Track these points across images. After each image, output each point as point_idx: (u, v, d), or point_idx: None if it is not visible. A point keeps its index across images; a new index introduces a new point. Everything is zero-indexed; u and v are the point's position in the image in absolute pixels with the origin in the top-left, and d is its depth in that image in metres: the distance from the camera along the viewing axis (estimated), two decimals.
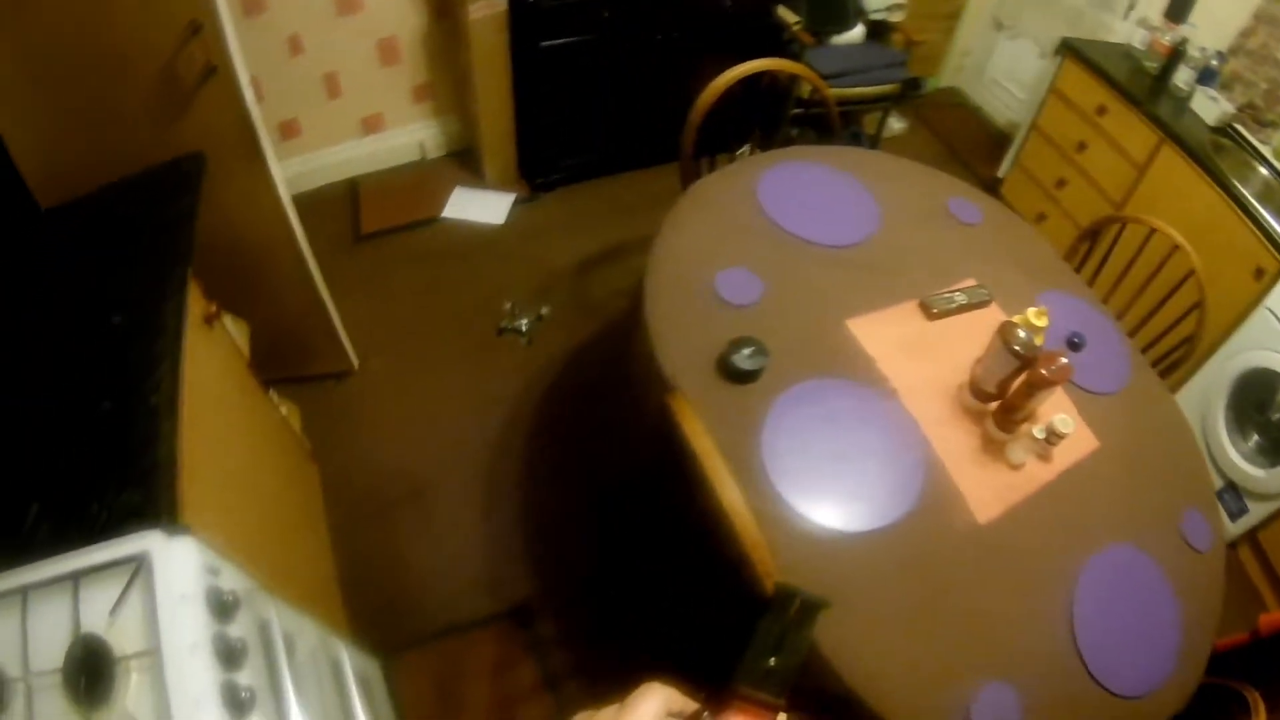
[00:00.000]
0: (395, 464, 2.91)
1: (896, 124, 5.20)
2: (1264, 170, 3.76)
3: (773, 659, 0.79)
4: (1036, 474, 2.04)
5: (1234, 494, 3.43)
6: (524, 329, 3.11)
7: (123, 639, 1.34)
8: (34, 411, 1.72)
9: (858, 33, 4.51)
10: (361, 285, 3.37)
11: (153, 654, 1.30)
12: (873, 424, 1.99)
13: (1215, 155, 3.62)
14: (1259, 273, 3.31)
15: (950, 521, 1.89)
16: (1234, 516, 3.44)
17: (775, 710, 0.76)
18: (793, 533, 1.75)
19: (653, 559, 2.59)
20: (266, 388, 2.56)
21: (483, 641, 2.60)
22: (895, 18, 4.62)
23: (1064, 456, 2.10)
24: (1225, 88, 3.99)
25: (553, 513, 2.92)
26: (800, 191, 2.49)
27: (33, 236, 2.11)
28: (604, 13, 3.61)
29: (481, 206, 3.92)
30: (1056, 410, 2.08)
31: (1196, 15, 4.11)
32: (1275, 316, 3.25)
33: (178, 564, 1.39)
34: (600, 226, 3.86)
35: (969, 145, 5.26)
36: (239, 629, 1.44)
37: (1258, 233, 3.31)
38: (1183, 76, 3.97)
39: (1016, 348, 1.95)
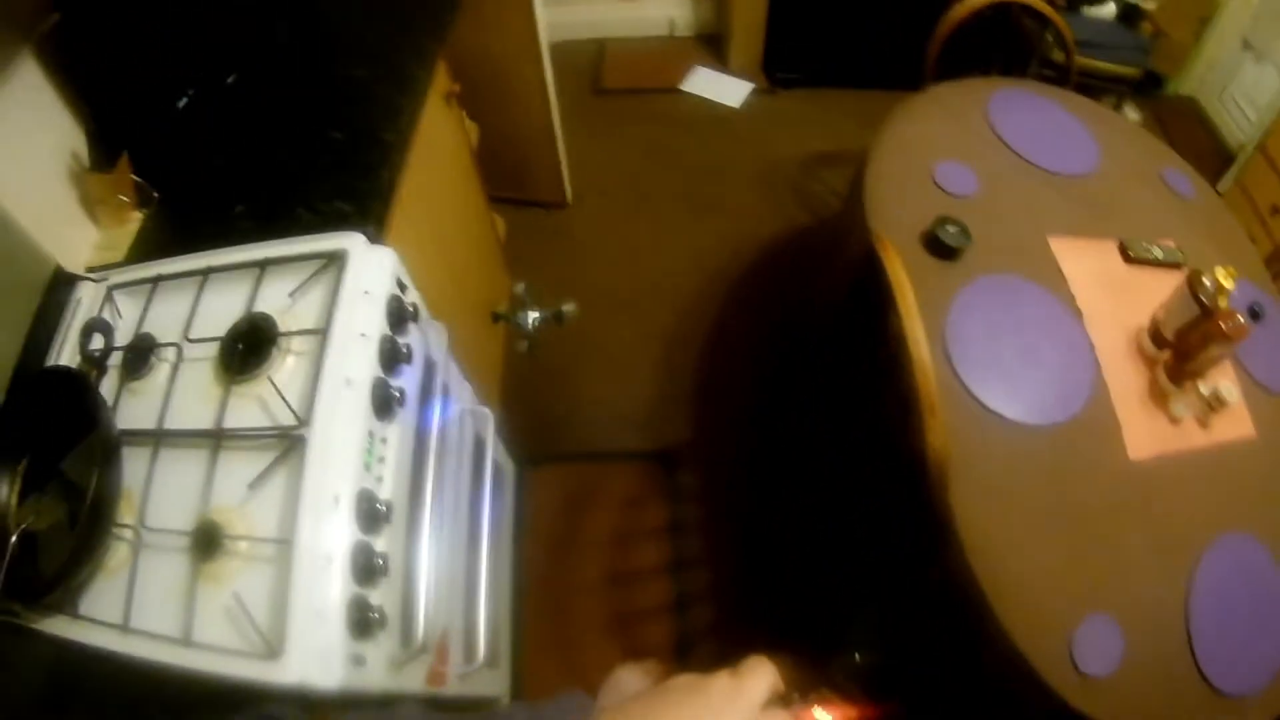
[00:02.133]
0: (585, 293, 2.97)
1: (1131, 114, 5.06)
2: None
3: (865, 654, 0.79)
4: (1192, 435, 2.05)
5: None
6: None
7: (293, 319, 1.43)
8: (270, 131, 1.86)
9: (1109, 9, 4.48)
10: (591, 133, 3.48)
11: (320, 334, 1.38)
12: (1052, 332, 2.03)
13: None
14: None
15: (1102, 446, 1.92)
16: None
17: (872, 706, 0.76)
18: (957, 404, 1.81)
19: (812, 442, 2.65)
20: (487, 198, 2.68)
21: (621, 474, 2.69)
22: (1148, 4, 4.57)
23: (1220, 429, 2.09)
24: None
25: (725, 376, 3.01)
26: (1028, 116, 2.53)
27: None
28: None
29: (720, 88, 4.00)
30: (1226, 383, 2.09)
31: None
32: None
33: (373, 266, 1.48)
34: (830, 132, 3.89)
35: (1194, 156, 5.13)
36: (408, 339, 1.52)
37: None
38: None
39: (1201, 296, 1.98)
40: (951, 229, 2.02)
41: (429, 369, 1.65)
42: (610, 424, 2.78)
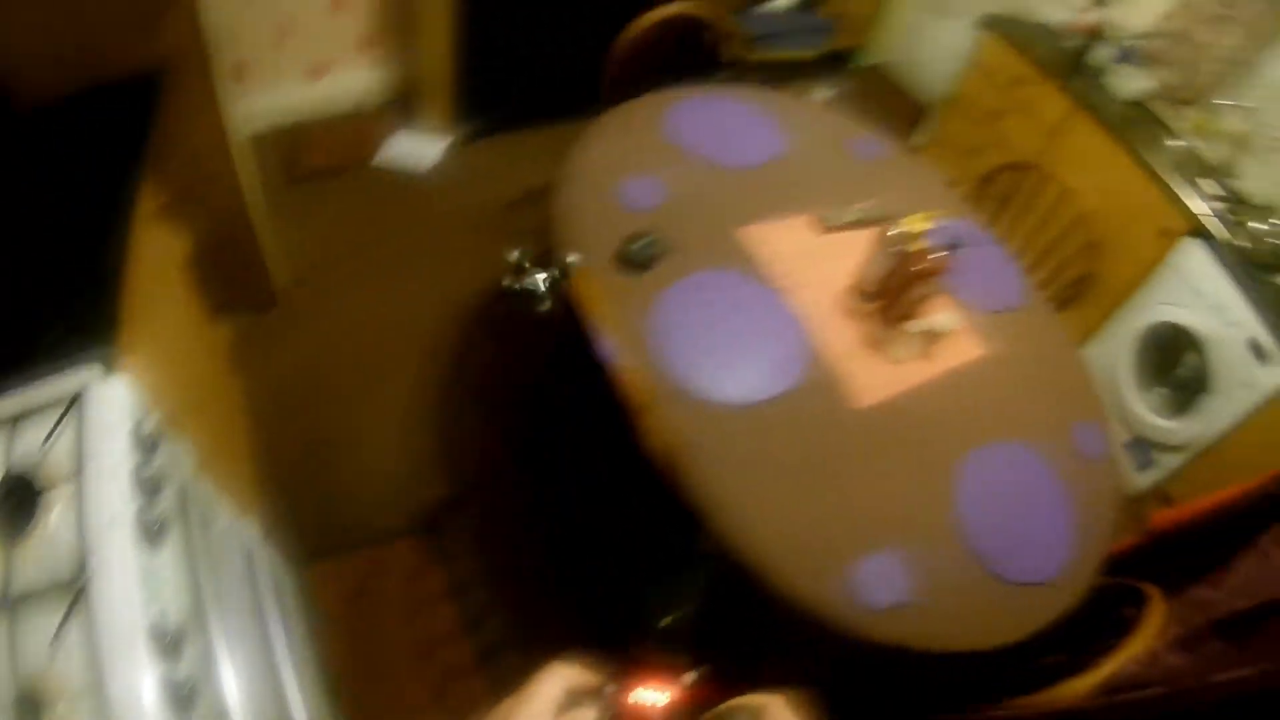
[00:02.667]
0: (320, 382, 3.03)
1: (820, 92, 5.29)
2: (1176, 143, 3.94)
3: (672, 619, 0.80)
4: (918, 370, 2.17)
5: (1141, 447, 3.56)
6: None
7: (50, 470, 1.41)
8: None
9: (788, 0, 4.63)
10: (296, 221, 3.44)
11: (75, 479, 1.38)
12: (755, 314, 2.13)
13: (1128, 125, 3.79)
14: (1164, 234, 3.46)
15: (831, 402, 2.03)
16: (1142, 468, 3.57)
17: (679, 671, 0.77)
18: (676, 400, 1.88)
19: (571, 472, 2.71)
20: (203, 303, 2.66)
21: (396, 551, 2.69)
22: None
23: (945, 359, 2.23)
24: (1143, 66, 4.15)
25: (478, 422, 3.05)
26: (708, 119, 2.64)
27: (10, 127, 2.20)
28: None
29: (418, 150, 4.02)
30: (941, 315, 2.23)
31: None
32: (1177, 273, 3.40)
33: (112, 400, 1.50)
34: (528, 170, 3.82)
35: (893, 117, 5.31)
36: (157, 465, 1.53)
37: (1164, 198, 3.47)
38: (1101, 54, 4.13)
39: (895, 244, 2.10)
40: (641, 243, 2.11)
41: (182, 490, 1.64)
42: (374, 504, 2.78)
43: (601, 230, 2.18)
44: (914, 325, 2.15)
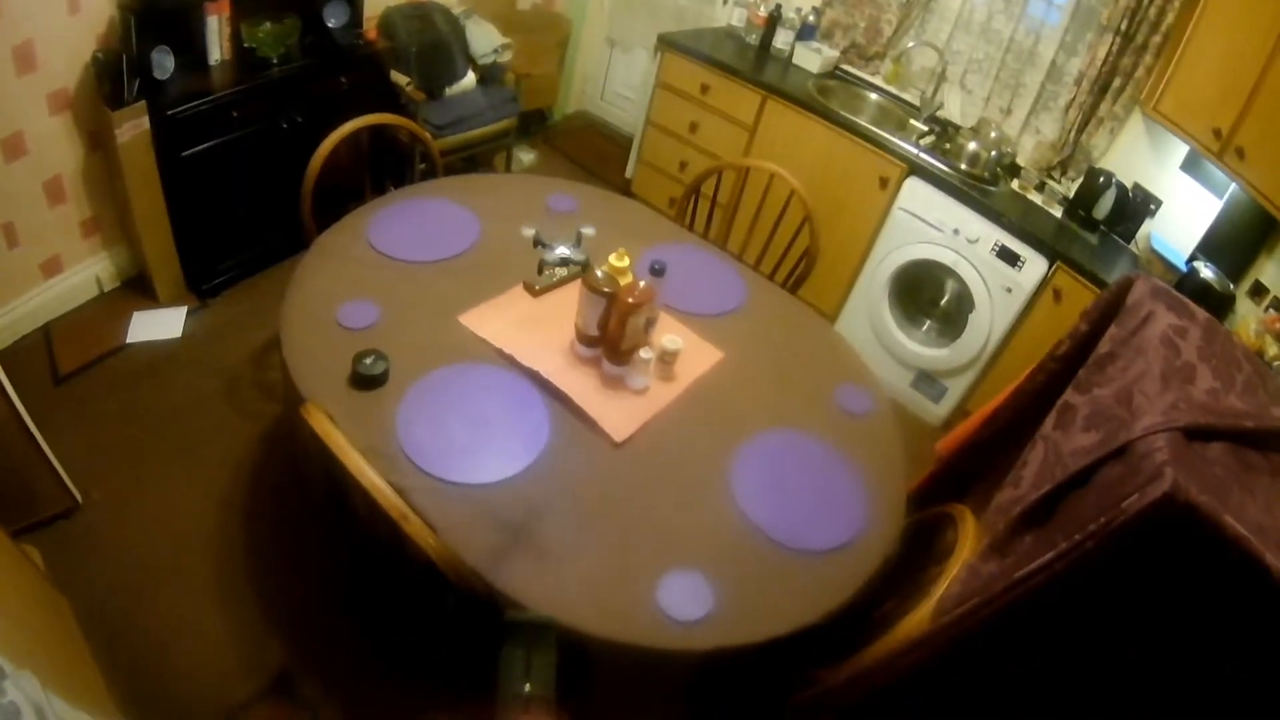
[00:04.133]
0: (136, 579, 2.98)
1: (525, 156, 5.46)
2: (875, 96, 4.19)
3: (527, 685, 0.84)
4: (664, 392, 2.28)
5: (928, 380, 3.74)
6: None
7: None
8: None
9: (469, 81, 4.73)
10: (72, 424, 3.41)
11: None
12: (495, 391, 2.20)
13: (822, 96, 3.99)
14: (883, 182, 3.67)
15: (589, 449, 2.12)
16: (937, 399, 3.75)
17: None
18: (445, 499, 1.93)
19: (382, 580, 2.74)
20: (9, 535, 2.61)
21: (258, 717, 2.69)
22: (504, 58, 4.87)
23: (688, 373, 2.35)
24: (827, 37, 4.39)
25: (288, 572, 3.05)
26: (404, 224, 2.72)
27: None
28: (233, 113, 3.78)
29: (160, 324, 4.01)
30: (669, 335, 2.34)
31: None
32: (906, 213, 3.61)
33: None
34: (264, 319, 3.92)
35: (601, 159, 5.61)
36: (6, 701, 1.54)
37: (875, 149, 3.68)
38: (781, 38, 4.36)
39: (599, 287, 2.20)
40: (368, 360, 2.16)
41: (39, 713, 1.63)
42: (220, 685, 2.77)
43: (328, 358, 2.22)
44: (644, 353, 2.24)
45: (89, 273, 4.16)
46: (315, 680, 2.77)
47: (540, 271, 2.51)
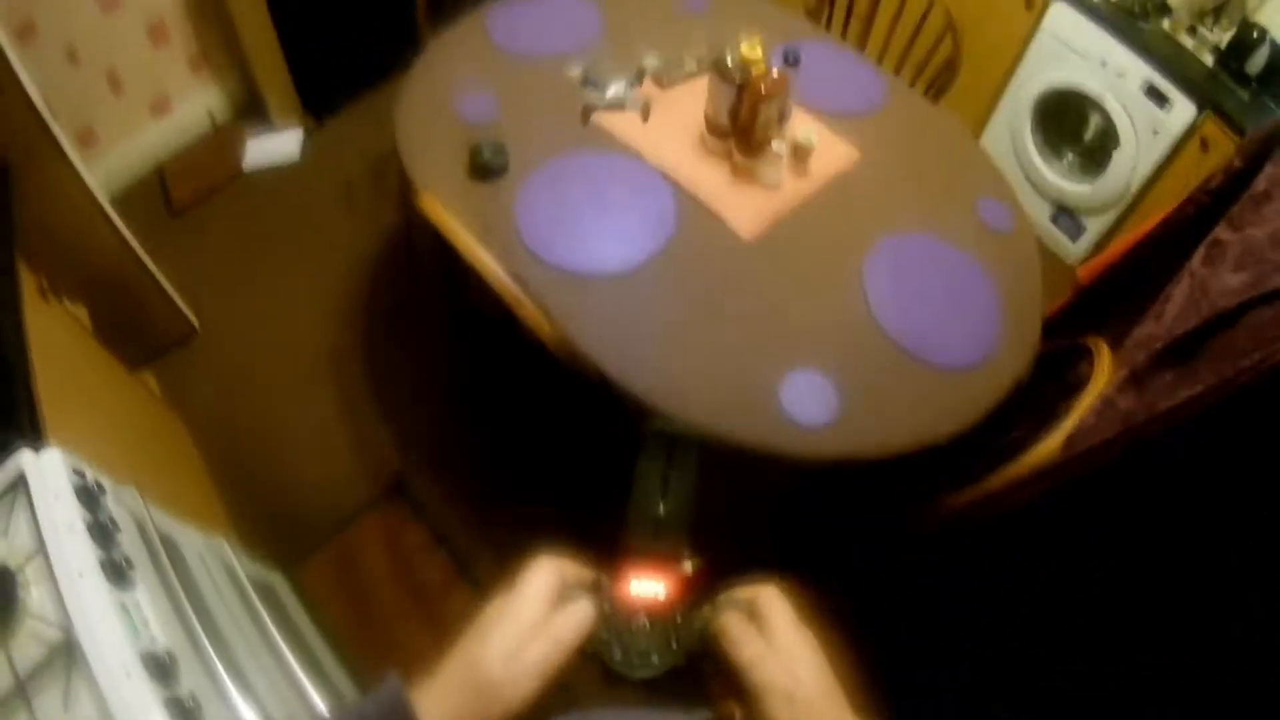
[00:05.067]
0: (254, 396, 3.07)
1: None
2: None
3: (661, 506, 0.76)
4: (797, 188, 2.17)
5: (1067, 215, 3.57)
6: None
7: (16, 551, 1.46)
8: None
9: None
10: (187, 254, 3.47)
11: (41, 552, 1.42)
12: (620, 183, 2.13)
13: None
14: (1029, 3, 3.45)
15: (715, 242, 2.03)
16: (1075, 237, 3.57)
17: (676, 560, 0.75)
18: (563, 287, 1.88)
19: (508, 385, 2.73)
20: (126, 366, 2.67)
21: (370, 525, 2.71)
22: None
23: (822, 170, 2.22)
24: None
25: (406, 380, 3.09)
26: (525, 18, 2.62)
27: None
28: None
29: (277, 146, 4.04)
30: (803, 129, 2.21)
31: None
32: (1056, 39, 3.38)
33: (47, 471, 1.53)
34: (382, 130, 3.91)
35: None
36: (108, 513, 1.57)
37: None
38: None
39: (731, 75, 2.08)
40: (489, 150, 2.10)
41: (140, 528, 1.68)
42: (334, 490, 2.81)
43: (447, 148, 2.17)
44: (777, 146, 2.12)
45: (199, 106, 4.17)
46: (432, 484, 2.77)
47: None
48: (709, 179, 2.14)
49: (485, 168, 2.09)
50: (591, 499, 1.92)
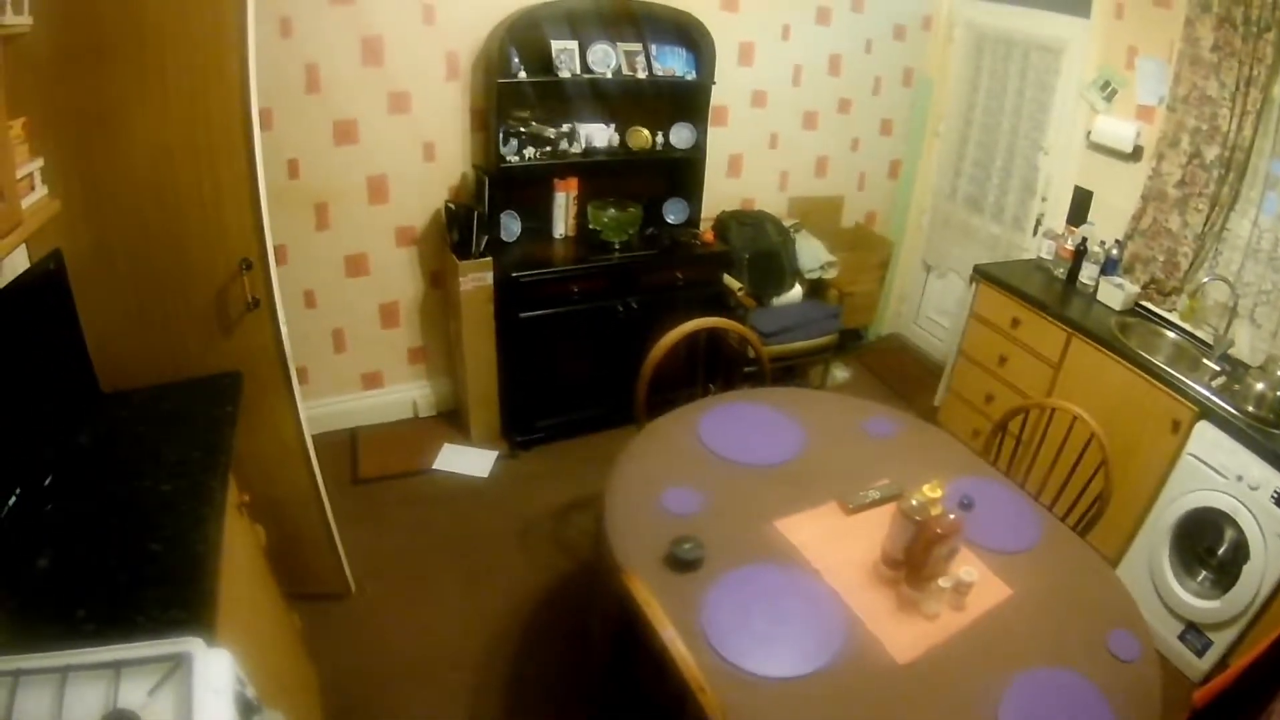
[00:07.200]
0: (382, 675, 3.20)
1: (840, 373, 5.70)
2: (1171, 334, 4.26)
3: None
4: (952, 620, 2.43)
5: (1195, 632, 3.70)
6: None
7: (153, 716, 1.56)
8: (94, 539, 2.05)
9: (796, 293, 5.09)
10: (359, 522, 3.75)
11: None
12: (798, 597, 2.40)
13: (1122, 335, 4.09)
14: (1175, 425, 3.72)
15: (873, 665, 2.26)
16: (1200, 653, 3.70)
17: None
18: (734, 682, 2.11)
19: None
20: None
21: None
22: (829, 274, 5.19)
23: (977, 604, 2.48)
24: (1128, 270, 4.49)
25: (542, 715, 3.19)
26: (734, 425, 3.03)
27: (98, 413, 2.49)
28: (574, 288, 4.20)
29: (468, 460, 4.37)
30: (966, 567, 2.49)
31: (1094, 214, 4.71)
32: (1197, 459, 3.64)
33: (215, 666, 1.64)
34: (573, 480, 4.28)
35: (910, 382, 5.75)
36: None
37: (1169, 391, 3.76)
38: (1087, 273, 4.50)
39: (912, 515, 2.41)
40: (687, 545, 2.42)
41: None
42: None
43: (649, 536, 2.49)
44: (942, 581, 2.41)
45: (407, 395, 4.63)
46: None
47: None
48: (877, 604, 2.42)
49: (682, 561, 2.39)
50: None
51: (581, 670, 3.29)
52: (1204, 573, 3.78)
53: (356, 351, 4.42)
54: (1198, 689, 2.48)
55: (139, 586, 1.89)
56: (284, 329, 2.82)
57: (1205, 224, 4.12)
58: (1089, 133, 4.73)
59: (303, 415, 3.03)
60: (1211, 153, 4.03)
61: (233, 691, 1.62)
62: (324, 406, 4.40)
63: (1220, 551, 3.75)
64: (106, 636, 1.70)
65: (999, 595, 2.55)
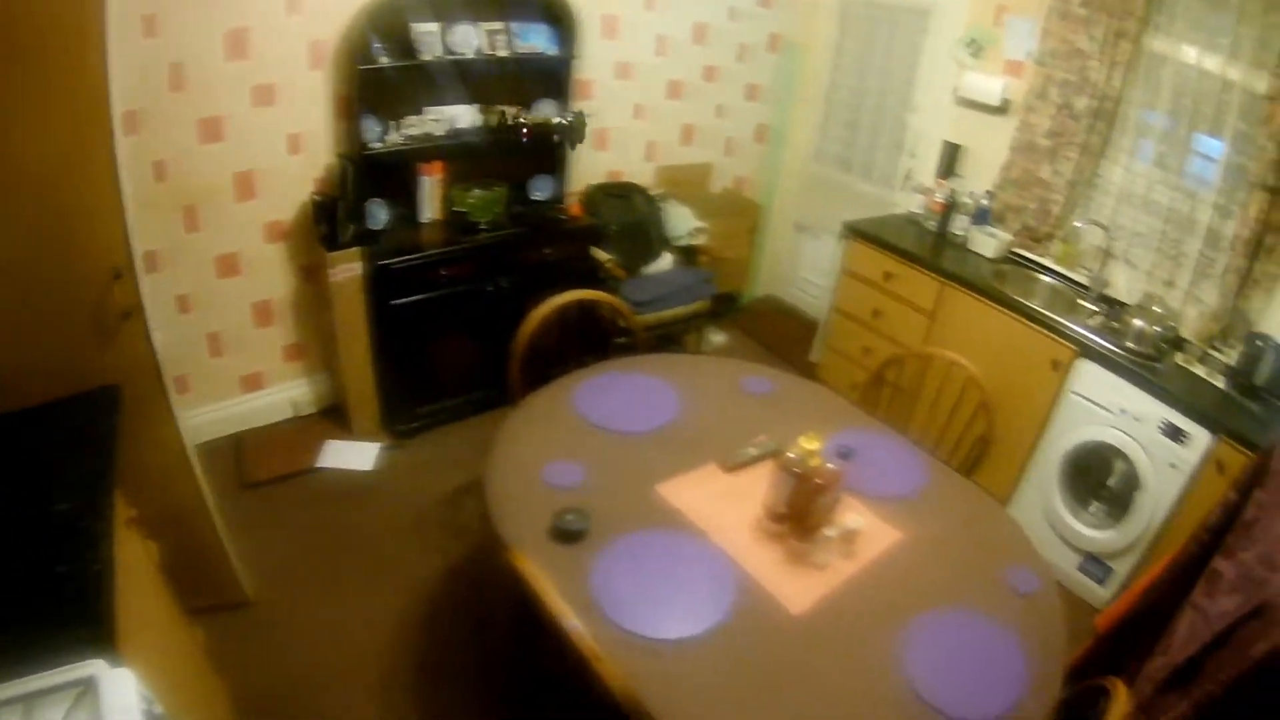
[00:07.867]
0: (295, 681, 3.13)
1: (716, 337, 5.70)
2: (1047, 279, 4.31)
3: None
4: (844, 568, 2.41)
5: (1094, 562, 3.76)
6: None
7: None
8: None
9: (666, 261, 5.07)
10: (252, 528, 3.61)
11: None
12: (687, 558, 2.37)
13: (997, 281, 4.14)
14: (1055, 365, 3.76)
15: (767, 617, 2.24)
16: (1101, 581, 3.76)
17: None
18: (631, 648, 2.08)
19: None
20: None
21: None
22: (699, 240, 5.17)
23: (868, 551, 2.47)
24: (1000, 220, 4.54)
25: (455, 701, 3.13)
26: (609, 395, 2.99)
27: None
28: (443, 272, 4.13)
29: (352, 455, 4.28)
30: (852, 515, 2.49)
31: (964, 168, 4.76)
32: (1080, 396, 3.71)
33: (121, 688, 1.60)
34: (457, 465, 4.23)
35: (788, 342, 5.78)
36: None
37: (1047, 333, 3.80)
38: (959, 224, 4.55)
39: (791, 468, 2.38)
40: (570, 517, 2.37)
41: None
42: None
43: (533, 512, 2.43)
44: (829, 531, 2.39)
45: (287, 394, 4.51)
46: None
47: None
48: (764, 560, 2.39)
49: (566, 533, 2.35)
50: None
51: (488, 652, 3.27)
52: (1096, 504, 3.84)
53: (234, 354, 4.29)
54: (1099, 615, 2.47)
55: (31, 610, 1.80)
56: (158, 337, 2.72)
57: (1075, 171, 4.19)
58: (956, 89, 4.78)
59: (184, 424, 2.93)
60: (1081, 103, 4.10)
61: (140, 710, 1.59)
62: (206, 414, 4.26)
63: (1110, 483, 3.82)
64: (14, 663, 1.63)
65: (889, 540, 2.55)
